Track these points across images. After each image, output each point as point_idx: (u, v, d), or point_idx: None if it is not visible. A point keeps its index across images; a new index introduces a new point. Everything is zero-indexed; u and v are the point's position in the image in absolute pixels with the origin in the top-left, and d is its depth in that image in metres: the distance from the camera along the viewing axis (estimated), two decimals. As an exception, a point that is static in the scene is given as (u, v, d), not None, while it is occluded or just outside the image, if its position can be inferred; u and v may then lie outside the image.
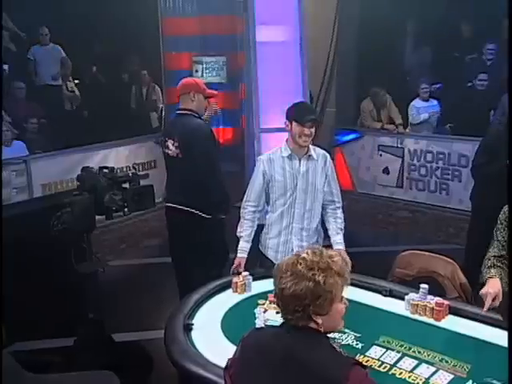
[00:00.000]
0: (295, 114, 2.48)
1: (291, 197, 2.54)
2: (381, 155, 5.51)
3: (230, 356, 1.47)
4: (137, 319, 3.34)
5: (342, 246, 2.61)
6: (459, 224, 4.53)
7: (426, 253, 2.69)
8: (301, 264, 1.35)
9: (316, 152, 2.58)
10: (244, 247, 2.56)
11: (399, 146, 5.38)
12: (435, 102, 5.24)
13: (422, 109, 5.26)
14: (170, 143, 2.92)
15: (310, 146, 2.56)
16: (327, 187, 2.61)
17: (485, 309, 1.99)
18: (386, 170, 5.51)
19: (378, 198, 5.54)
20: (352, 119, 6.01)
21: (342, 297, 1.40)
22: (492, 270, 2.08)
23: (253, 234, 2.61)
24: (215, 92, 3.15)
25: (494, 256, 2.14)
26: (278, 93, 4.31)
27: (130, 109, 6.53)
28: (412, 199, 5.34)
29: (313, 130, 2.48)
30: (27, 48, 5.40)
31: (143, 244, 4.67)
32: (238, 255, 2.55)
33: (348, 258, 2.37)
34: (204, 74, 6.13)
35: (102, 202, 2.37)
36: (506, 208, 2.15)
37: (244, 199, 2.62)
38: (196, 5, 6.16)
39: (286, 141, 2.56)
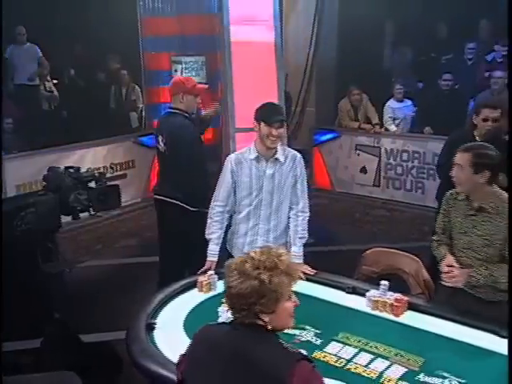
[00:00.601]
0: (263, 114, 2.48)
1: (257, 198, 2.53)
2: (358, 154, 5.56)
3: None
4: (112, 319, 3.33)
5: (299, 260, 2.52)
6: (434, 222, 4.59)
7: (392, 250, 2.74)
8: (248, 263, 1.36)
9: (285, 153, 2.56)
10: (214, 250, 2.55)
11: (376, 145, 5.43)
12: (409, 103, 5.31)
13: (397, 109, 5.32)
14: (160, 139, 3.11)
15: (279, 148, 2.55)
16: (292, 188, 2.58)
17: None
18: (363, 170, 5.56)
19: (356, 197, 5.60)
20: (331, 119, 6.05)
21: (291, 295, 1.40)
22: (440, 249, 2.29)
23: (222, 235, 2.60)
24: (204, 86, 3.27)
25: (435, 240, 2.35)
26: (254, 93, 4.32)
27: (110, 109, 6.52)
28: (389, 198, 5.40)
29: (281, 130, 2.48)
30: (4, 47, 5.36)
31: (120, 244, 4.66)
32: (209, 258, 2.54)
33: (303, 273, 2.38)
34: (183, 74, 6.11)
35: (67, 201, 2.36)
36: (447, 195, 2.30)
37: (212, 199, 2.60)
38: (175, 4, 6.15)
39: (254, 142, 2.55)
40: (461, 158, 2.14)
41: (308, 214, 2.65)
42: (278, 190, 2.54)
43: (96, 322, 3.24)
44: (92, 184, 2.51)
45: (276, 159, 2.53)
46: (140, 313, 2.11)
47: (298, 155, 2.62)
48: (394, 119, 5.32)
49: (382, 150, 5.39)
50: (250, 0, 4.44)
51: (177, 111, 3.05)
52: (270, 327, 1.37)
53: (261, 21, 4.39)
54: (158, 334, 2.01)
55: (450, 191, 2.31)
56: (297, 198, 2.60)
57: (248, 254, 1.41)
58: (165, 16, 6.20)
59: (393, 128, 5.30)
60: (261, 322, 1.36)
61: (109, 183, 2.63)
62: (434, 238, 2.37)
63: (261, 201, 2.54)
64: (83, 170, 2.47)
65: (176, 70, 6.11)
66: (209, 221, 2.59)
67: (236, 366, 1.32)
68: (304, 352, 1.39)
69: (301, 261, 2.55)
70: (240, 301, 1.34)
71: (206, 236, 2.60)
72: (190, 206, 2.97)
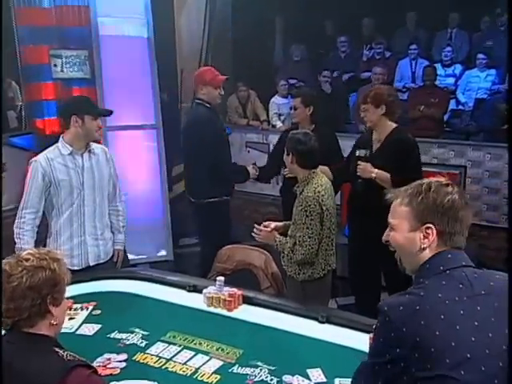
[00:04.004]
0: (87, 108, 2.41)
1: (79, 195, 2.44)
2: (249, 151, 5.59)
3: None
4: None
5: (121, 247, 2.63)
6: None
7: (243, 246, 2.77)
8: (30, 259, 1.33)
9: (95, 146, 2.53)
10: None
11: (265, 141, 5.51)
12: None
13: (281, 105, 5.42)
14: None
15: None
16: (111, 180, 2.58)
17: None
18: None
19: (249, 194, 5.64)
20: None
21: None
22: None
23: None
24: (222, 78, 3.28)
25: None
26: (128, 89, 4.19)
27: (-16, 107, 5.98)
28: (278, 194, 5.48)
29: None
30: None
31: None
32: None
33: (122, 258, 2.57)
34: (65, 69, 5.72)
35: None
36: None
37: (20, 208, 2.41)
38: (53, -5, 5.75)
39: (63, 139, 2.44)
40: None
41: (125, 201, 2.71)
42: (99, 184, 2.49)
43: None
44: None
45: (91, 151, 2.47)
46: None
47: (107, 150, 2.63)
48: (280, 115, 5.42)
49: (271, 147, 5.47)
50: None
51: (197, 101, 3.19)
52: (53, 329, 1.34)
53: (132, 15, 4.24)
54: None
55: None
56: (115, 189, 2.61)
57: (18, 255, 1.36)
58: (42, 6, 5.78)
59: (278, 124, 5.40)
60: (42, 331, 1.32)
61: None
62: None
63: (83, 198, 2.45)
64: None
65: (56, 65, 5.72)
66: (18, 231, 2.38)
67: (6, 381, 1.25)
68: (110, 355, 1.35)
69: (122, 247, 2.64)
70: (31, 295, 1.29)
71: (17, 248, 2.36)
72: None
